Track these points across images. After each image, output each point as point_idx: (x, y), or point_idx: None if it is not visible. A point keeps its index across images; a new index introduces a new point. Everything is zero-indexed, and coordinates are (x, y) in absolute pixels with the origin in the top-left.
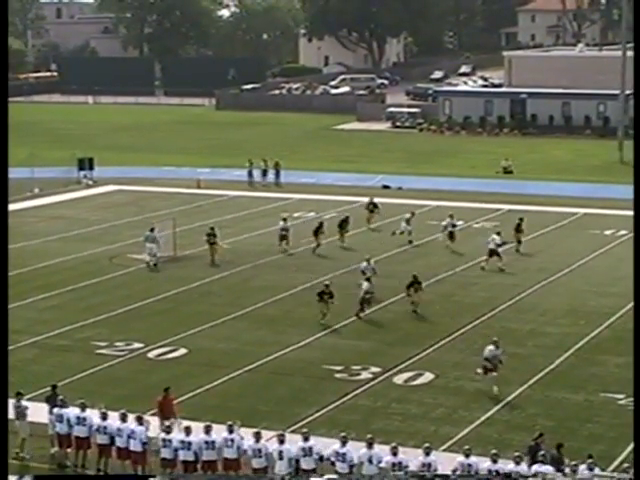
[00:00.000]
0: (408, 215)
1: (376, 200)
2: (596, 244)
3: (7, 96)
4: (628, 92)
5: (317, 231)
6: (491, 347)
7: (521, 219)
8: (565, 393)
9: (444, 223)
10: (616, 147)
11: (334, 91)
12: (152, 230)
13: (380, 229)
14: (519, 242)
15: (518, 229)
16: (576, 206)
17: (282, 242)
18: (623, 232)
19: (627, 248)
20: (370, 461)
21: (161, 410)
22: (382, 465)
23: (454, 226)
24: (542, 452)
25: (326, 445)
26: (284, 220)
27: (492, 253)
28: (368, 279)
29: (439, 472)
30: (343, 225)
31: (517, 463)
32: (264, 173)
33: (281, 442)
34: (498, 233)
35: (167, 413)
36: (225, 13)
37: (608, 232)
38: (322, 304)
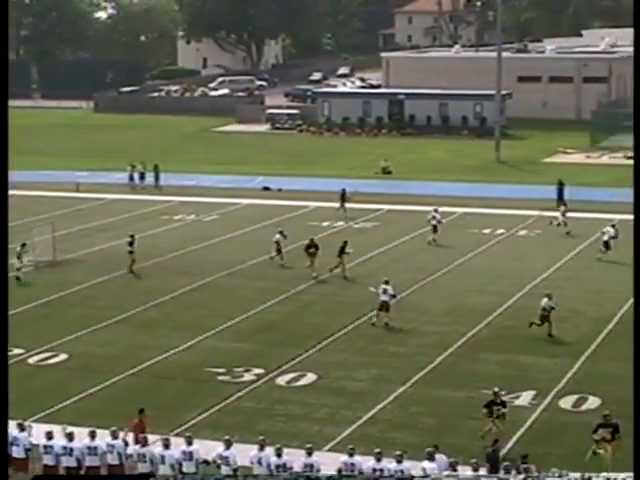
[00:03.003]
0: (563, 208)
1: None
2: (474, 243)
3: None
4: (504, 92)
5: (341, 251)
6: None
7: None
8: (447, 391)
9: (429, 217)
10: (493, 147)
11: (213, 93)
12: None
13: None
14: None
15: None
16: (455, 205)
17: (277, 255)
18: (501, 231)
19: (505, 247)
20: (260, 463)
21: (138, 432)
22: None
23: (439, 222)
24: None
25: (210, 448)
26: (280, 233)
27: (607, 245)
28: (549, 296)
29: (322, 472)
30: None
31: (399, 462)
32: (142, 176)
33: (166, 446)
34: (613, 226)
35: (142, 434)
36: (102, 15)
37: (486, 231)
38: (491, 420)
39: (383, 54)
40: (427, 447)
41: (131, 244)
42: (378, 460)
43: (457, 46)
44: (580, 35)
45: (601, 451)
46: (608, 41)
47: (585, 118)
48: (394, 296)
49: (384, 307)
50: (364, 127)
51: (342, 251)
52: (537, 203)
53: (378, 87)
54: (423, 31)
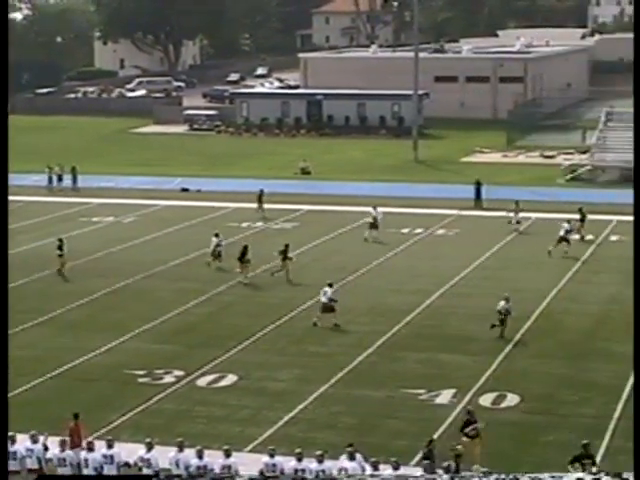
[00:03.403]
0: (514, 206)
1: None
2: (393, 243)
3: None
4: (421, 92)
5: (242, 257)
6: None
7: (580, 208)
8: (367, 390)
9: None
10: (411, 146)
11: (130, 94)
12: None
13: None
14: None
15: (582, 219)
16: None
17: (216, 259)
18: (419, 230)
19: (423, 246)
20: (178, 465)
21: (75, 436)
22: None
23: (375, 219)
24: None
25: (131, 451)
26: (216, 235)
27: (561, 239)
28: (506, 299)
29: (244, 473)
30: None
31: (320, 462)
32: (60, 178)
33: (90, 449)
34: (568, 221)
35: (78, 439)
36: (18, 16)
37: (405, 230)
38: (472, 442)
39: (301, 55)
40: (346, 446)
41: (60, 248)
42: (299, 460)
43: (374, 46)
44: (496, 35)
45: None
46: (523, 41)
47: (501, 117)
48: (332, 300)
49: (326, 309)
50: (282, 128)
51: (285, 254)
52: (455, 202)
53: (296, 88)
54: (340, 31)
